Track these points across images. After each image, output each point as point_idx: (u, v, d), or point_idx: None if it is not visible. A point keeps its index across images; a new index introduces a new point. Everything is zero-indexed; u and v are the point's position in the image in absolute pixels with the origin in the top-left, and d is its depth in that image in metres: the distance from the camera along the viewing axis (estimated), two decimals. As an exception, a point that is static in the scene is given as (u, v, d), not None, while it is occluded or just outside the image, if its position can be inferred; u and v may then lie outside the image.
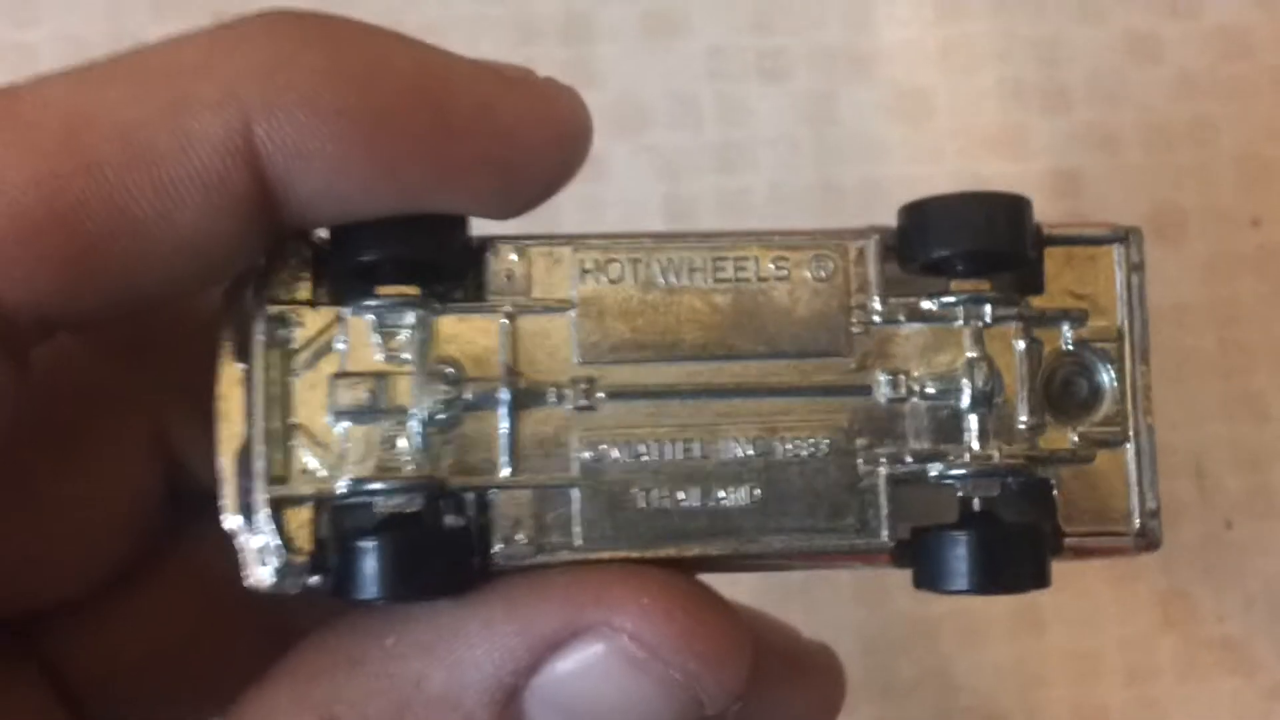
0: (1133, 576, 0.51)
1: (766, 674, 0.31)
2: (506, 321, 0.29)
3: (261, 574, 0.29)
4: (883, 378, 0.29)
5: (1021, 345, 0.29)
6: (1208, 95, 0.54)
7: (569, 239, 0.30)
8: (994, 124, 0.53)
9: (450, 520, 0.29)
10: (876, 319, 0.30)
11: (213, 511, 0.29)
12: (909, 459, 0.29)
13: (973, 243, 0.29)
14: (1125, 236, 0.30)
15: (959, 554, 0.28)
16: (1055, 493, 0.30)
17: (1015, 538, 0.29)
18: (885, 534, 0.29)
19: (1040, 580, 0.29)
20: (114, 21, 0.51)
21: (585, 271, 0.30)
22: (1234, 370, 0.53)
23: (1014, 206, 0.30)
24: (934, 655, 0.51)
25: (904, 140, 0.53)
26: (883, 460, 0.29)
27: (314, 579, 0.29)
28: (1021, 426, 0.29)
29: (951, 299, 0.30)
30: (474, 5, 0.53)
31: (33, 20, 0.52)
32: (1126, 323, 0.30)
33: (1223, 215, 0.54)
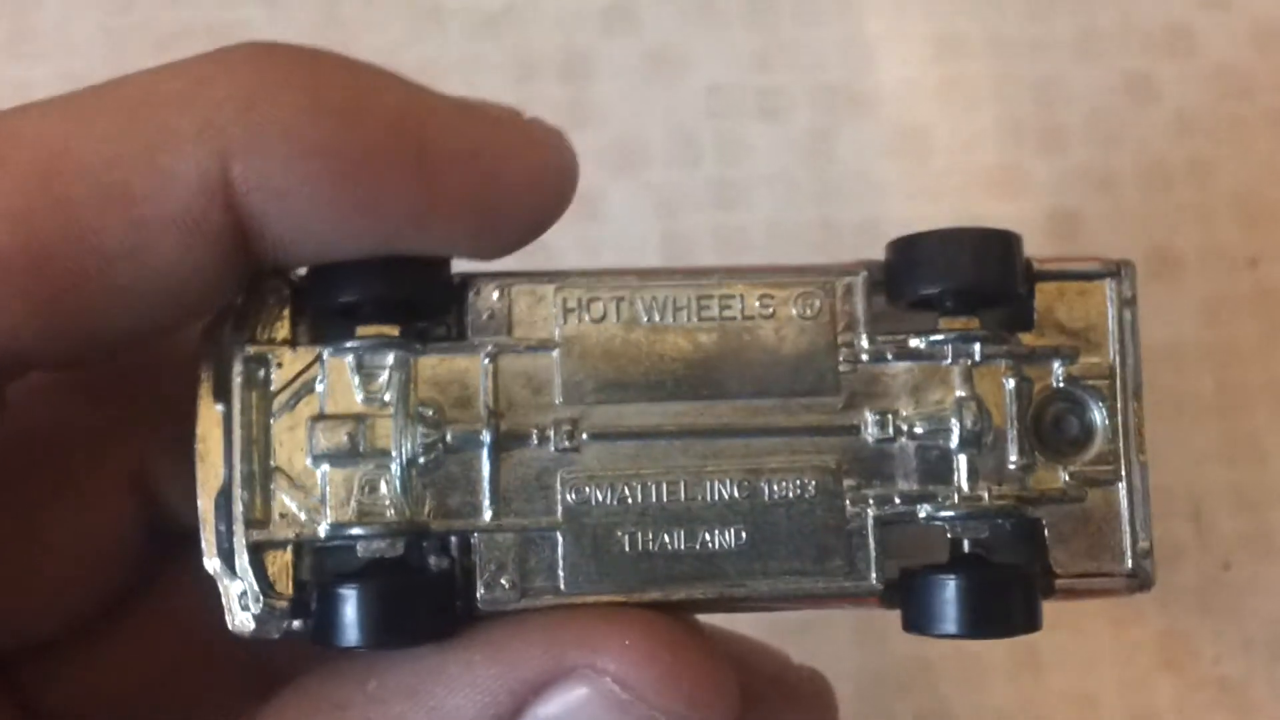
0: (1131, 618, 0.51)
1: (756, 700, 0.31)
2: (488, 362, 0.29)
3: (242, 619, 0.28)
4: (871, 417, 0.29)
5: (1011, 384, 0.29)
6: (1206, 136, 0.54)
7: (551, 276, 0.29)
8: (992, 163, 0.53)
9: (434, 562, 0.29)
10: (864, 357, 0.29)
11: (194, 548, 0.29)
12: (897, 500, 0.29)
13: (961, 280, 0.29)
14: (1117, 270, 0.30)
15: (948, 597, 0.28)
16: (1046, 533, 0.29)
17: (1005, 581, 0.29)
18: (874, 576, 0.29)
19: (1031, 623, 0.29)
20: (114, 59, 0.51)
21: (568, 310, 0.29)
22: (1232, 411, 0.52)
23: (1003, 242, 0.29)
24: (932, 697, 0.50)
25: (902, 179, 0.53)
26: (871, 501, 0.29)
27: (295, 623, 0.28)
28: (1012, 466, 0.29)
29: (940, 337, 0.29)
30: (472, 43, 0.53)
31: (33, 56, 0.51)
32: (1118, 359, 0.30)
33: (1220, 255, 0.53)
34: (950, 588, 0.28)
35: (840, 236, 0.52)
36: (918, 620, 0.29)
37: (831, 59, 0.54)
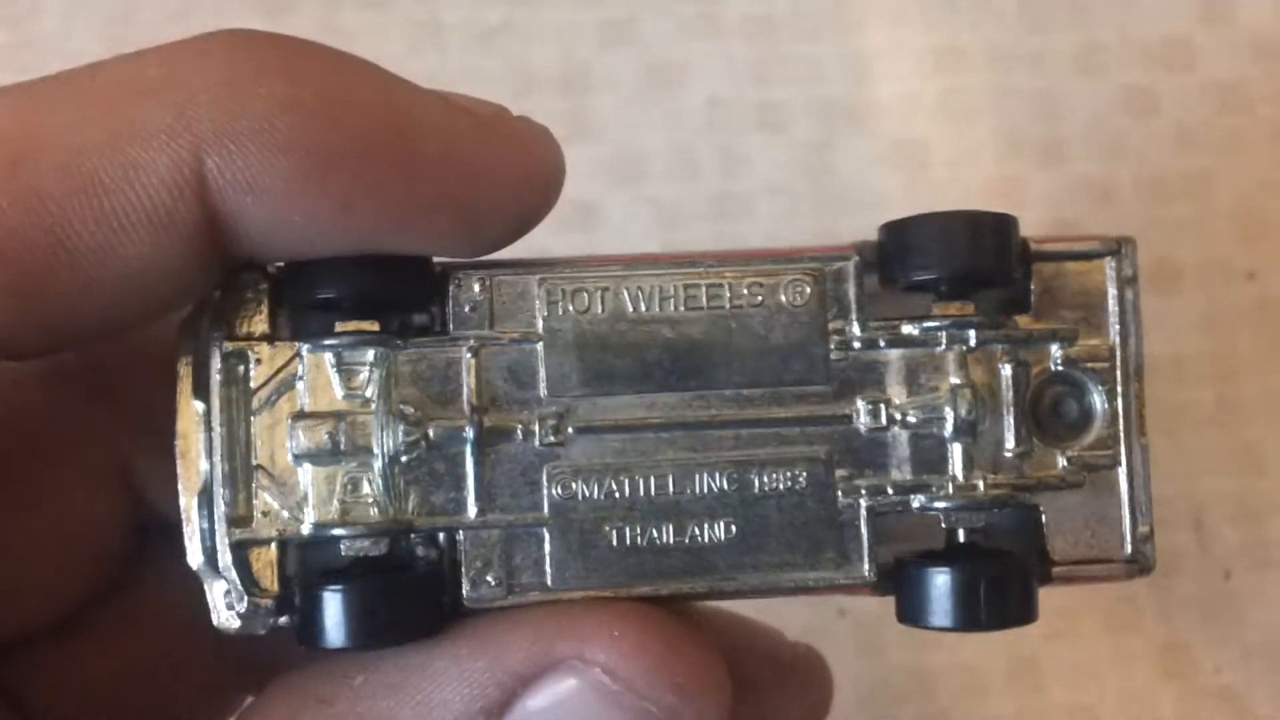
0: (1131, 627, 0.50)
1: (750, 680, 0.31)
2: (470, 356, 0.28)
3: (227, 617, 0.28)
4: (863, 406, 0.28)
5: (1008, 370, 0.28)
6: (1204, 149, 0.53)
7: (535, 267, 0.29)
8: (991, 176, 0.53)
9: (421, 554, 0.28)
10: (856, 345, 0.29)
11: (178, 542, 0.28)
12: (890, 490, 0.28)
13: (955, 265, 0.28)
14: (1118, 249, 0.29)
15: (941, 591, 0.27)
16: (1044, 519, 0.29)
17: (1000, 573, 0.28)
18: (866, 568, 0.28)
19: (1026, 615, 0.28)
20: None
21: (552, 302, 0.29)
22: (1231, 422, 0.52)
23: (998, 225, 0.29)
24: (932, 707, 0.50)
25: (901, 191, 0.52)
26: (863, 492, 0.28)
27: (281, 620, 0.28)
28: (1008, 454, 0.28)
29: (934, 324, 0.28)
30: (472, 57, 0.52)
31: (33, 65, 0.51)
32: (1119, 339, 0.29)
33: (1219, 268, 0.53)
34: (943, 581, 0.28)
35: (839, 248, 0.52)
36: (911, 613, 0.28)
37: (830, 72, 0.53)
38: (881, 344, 0.29)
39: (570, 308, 0.29)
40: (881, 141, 0.53)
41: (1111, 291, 0.29)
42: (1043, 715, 0.51)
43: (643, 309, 0.29)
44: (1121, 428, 0.29)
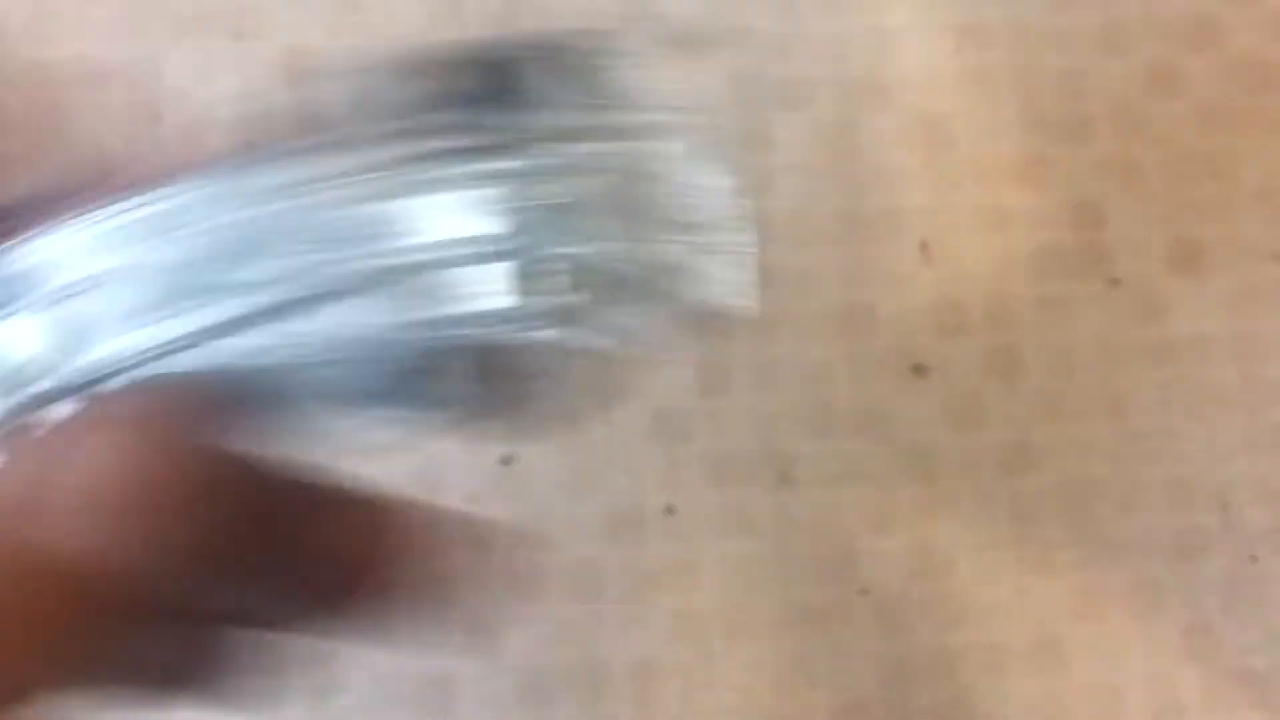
0: (1156, 609, 0.50)
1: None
2: (52, 317, 0.28)
3: None
4: (420, 255, 0.27)
5: (604, 175, 0.28)
6: (1229, 128, 0.53)
7: (75, 220, 0.28)
8: (1015, 154, 0.52)
9: None
10: (406, 191, 0.28)
11: None
12: (468, 328, 0.27)
13: (495, 103, 0.28)
14: (676, 35, 0.30)
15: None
16: (671, 290, 0.28)
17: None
18: (447, 406, 0.28)
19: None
20: (135, 41, 0.51)
21: (107, 244, 0.28)
22: (1257, 403, 0.52)
23: (548, 47, 0.28)
24: (954, 687, 0.50)
25: (924, 169, 0.52)
26: (437, 330, 0.27)
27: None
28: (620, 245, 0.28)
29: (482, 154, 0.27)
30: (491, 30, 0.53)
31: (54, 38, 0.51)
32: (707, 122, 0.29)
33: (1244, 248, 0.52)
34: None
35: (862, 225, 0.52)
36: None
37: (853, 49, 0.53)
38: (433, 186, 0.28)
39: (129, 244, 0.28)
40: (904, 119, 0.53)
41: (677, 77, 0.30)
42: (1065, 696, 0.50)
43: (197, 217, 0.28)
44: (725, 209, 0.29)
